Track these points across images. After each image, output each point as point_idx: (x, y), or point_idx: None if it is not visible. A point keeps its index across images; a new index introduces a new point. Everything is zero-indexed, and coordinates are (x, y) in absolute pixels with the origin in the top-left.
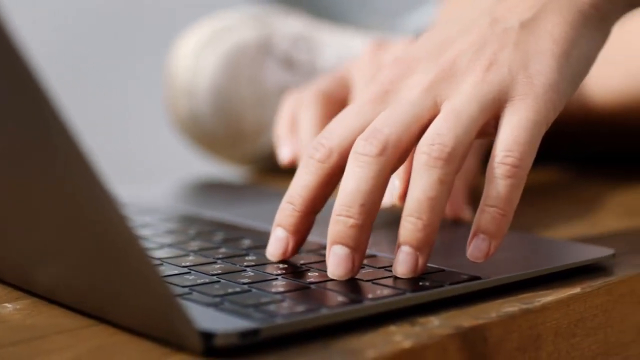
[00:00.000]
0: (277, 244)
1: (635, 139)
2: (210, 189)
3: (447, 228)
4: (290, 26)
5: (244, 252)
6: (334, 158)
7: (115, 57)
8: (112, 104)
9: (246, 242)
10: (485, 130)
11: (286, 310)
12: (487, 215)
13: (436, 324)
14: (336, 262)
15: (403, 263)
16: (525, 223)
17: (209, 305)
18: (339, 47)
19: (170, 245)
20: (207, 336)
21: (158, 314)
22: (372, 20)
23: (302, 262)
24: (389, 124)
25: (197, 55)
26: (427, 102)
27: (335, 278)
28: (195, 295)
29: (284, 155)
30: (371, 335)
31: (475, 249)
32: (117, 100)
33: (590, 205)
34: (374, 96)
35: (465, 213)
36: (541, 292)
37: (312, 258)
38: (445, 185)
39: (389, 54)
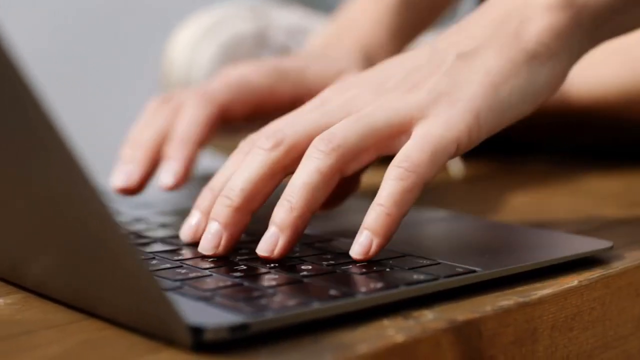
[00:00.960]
0: (212, 237)
1: (634, 130)
2: (205, 182)
3: (450, 222)
4: (287, 18)
5: (237, 246)
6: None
7: (110, 49)
8: (107, 97)
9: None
10: (395, 147)
11: (277, 304)
12: (373, 213)
13: (430, 318)
14: (205, 236)
15: (264, 241)
16: (522, 215)
17: (199, 299)
18: None
19: (163, 240)
20: (197, 331)
21: (147, 308)
22: None
23: (295, 255)
24: (293, 127)
25: (193, 48)
26: (340, 111)
27: (201, 252)
28: (186, 289)
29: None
30: (363, 330)
31: (357, 245)
32: (112, 94)
33: (588, 197)
34: (313, 105)
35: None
36: (538, 285)
37: (306, 251)
38: (322, 176)
39: None
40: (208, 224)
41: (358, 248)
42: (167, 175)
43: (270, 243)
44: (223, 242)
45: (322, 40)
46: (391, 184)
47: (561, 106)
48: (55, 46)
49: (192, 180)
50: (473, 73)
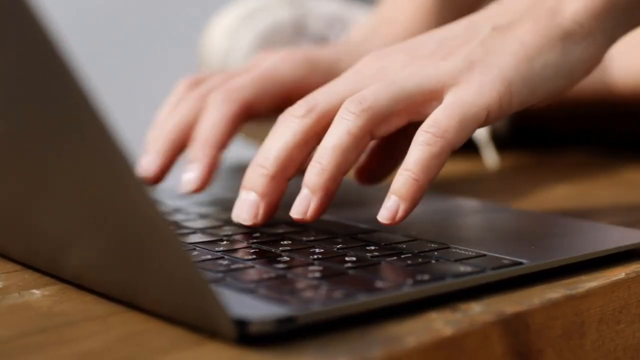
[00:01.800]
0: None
1: None
2: (243, 173)
3: (492, 213)
4: (325, 7)
5: (278, 236)
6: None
7: (150, 37)
8: (147, 87)
9: (281, 227)
10: (425, 112)
11: (323, 296)
12: (400, 178)
13: (478, 311)
14: (241, 205)
15: (297, 204)
16: (564, 206)
17: (243, 291)
18: None
19: (203, 230)
20: (242, 323)
21: (190, 300)
22: None
23: (339, 246)
24: (326, 94)
25: (231, 36)
26: (373, 79)
27: (238, 221)
28: (229, 280)
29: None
30: (411, 322)
31: (384, 209)
32: (151, 83)
33: (629, 188)
34: (350, 73)
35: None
36: (584, 278)
37: (350, 242)
38: (353, 137)
39: None
40: (243, 194)
41: (385, 212)
42: (189, 179)
43: (303, 205)
44: (261, 212)
45: (361, 33)
46: (419, 149)
47: (603, 94)
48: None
49: (224, 171)
50: (507, 44)
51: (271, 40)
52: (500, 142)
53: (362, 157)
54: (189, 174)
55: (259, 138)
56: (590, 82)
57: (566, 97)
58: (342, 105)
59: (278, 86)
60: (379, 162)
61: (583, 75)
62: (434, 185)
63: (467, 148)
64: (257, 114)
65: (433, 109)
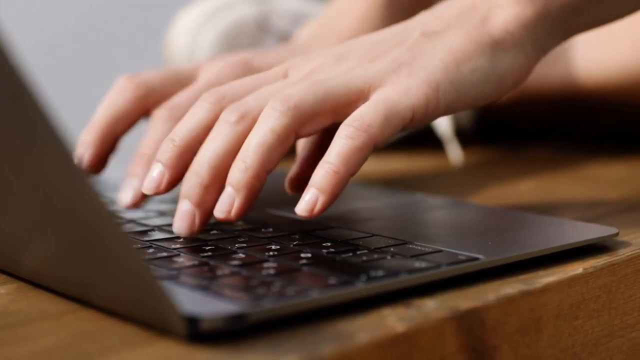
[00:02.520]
0: (152, 179)
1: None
2: None
3: (452, 210)
4: (289, 3)
5: (236, 233)
6: (223, 104)
7: (112, 35)
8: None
9: (238, 224)
10: (351, 112)
11: (275, 293)
12: (320, 170)
13: (432, 307)
14: (179, 216)
15: (220, 203)
16: (526, 202)
17: (196, 288)
18: None
19: (160, 228)
20: (192, 321)
21: (142, 298)
22: None
23: (295, 243)
24: (255, 98)
25: (195, 33)
26: (303, 82)
27: (176, 232)
28: (182, 278)
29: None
30: (364, 319)
31: (302, 202)
32: (113, 79)
33: (593, 183)
34: (275, 71)
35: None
36: (542, 273)
37: (307, 239)
38: (277, 136)
39: None
40: (180, 202)
41: (303, 205)
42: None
43: (226, 204)
44: (197, 221)
45: (313, 29)
46: (341, 142)
47: (566, 89)
48: (56, 30)
49: None
50: (436, 49)
51: (235, 37)
52: (465, 137)
53: (294, 167)
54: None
55: None
56: (556, 76)
57: (531, 92)
58: (268, 103)
59: None
60: (310, 170)
61: (513, 83)
62: (397, 181)
63: (431, 143)
64: None
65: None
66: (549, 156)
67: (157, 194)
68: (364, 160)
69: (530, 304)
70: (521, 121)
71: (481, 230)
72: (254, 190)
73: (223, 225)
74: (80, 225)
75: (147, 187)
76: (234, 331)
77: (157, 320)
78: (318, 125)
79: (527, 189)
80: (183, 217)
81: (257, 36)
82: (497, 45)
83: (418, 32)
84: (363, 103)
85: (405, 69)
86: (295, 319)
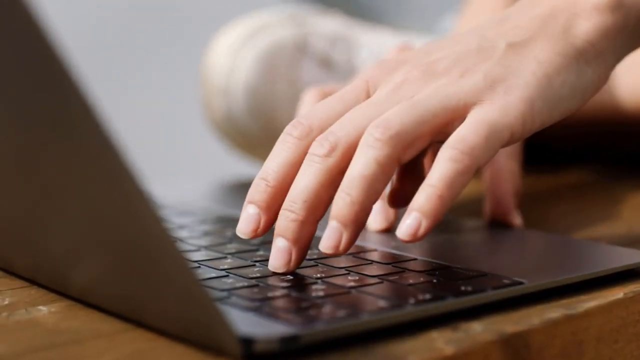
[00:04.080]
0: (248, 221)
1: None
2: (247, 190)
3: (493, 233)
4: (327, 26)
5: None
6: (313, 135)
7: (154, 55)
8: (149, 103)
9: None
10: (448, 131)
11: (326, 315)
12: (423, 193)
13: (478, 330)
14: (275, 254)
15: (327, 237)
16: (563, 225)
17: (247, 309)
18: (376, 47)
19: (207, 248)
20: (247, 342)
21: (196, 318)
22: (408, 21)
23: (342, 265)
24: (343, 126)
25: (234, 54)
26: (391, 102)
27: (272, 270)
28: (233, 299)
29: None
30: (413, 341)
31: (404, 226)
32: (153, 100)
33: (627, 206)
34: (356, 86)
35: (515, 217)
36: (583, 297)
37: (352, 261)
38: (382, 167)
39: None
40: (275, 240)
41: (406, 229)
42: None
43: (334, 239)
44: (294, 258)
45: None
46: (445, 166)
47: (610, 112)
48: (97, 50)
49: (226, 188)
50: (526, 63)
51: (273, 59)
52: None
53: (392, 181)
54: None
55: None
56: (597, 101)
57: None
58: (367, 131)
59: None
60: (409, 184)
61: (592, 95)
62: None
63: None
64: None
65: (455, 129)
66: (584, 179)
67: (253, 237)
68: (466, 184)
69: (572, 328)
70: (557, 143)
71: (522, 254)
72: (362, 224)
73: (268, 245)
74: (136, 244)
75: (244, 231)
76: (286, 352)
77: (210, 341)
78: (418, 149)
79: (562, 211)
80: (280, 255)
81: (296, 58)
82: (580, 57)
83: (503, 43)
84: (459, 121)
85: (500, 86)
86: (346, 341)
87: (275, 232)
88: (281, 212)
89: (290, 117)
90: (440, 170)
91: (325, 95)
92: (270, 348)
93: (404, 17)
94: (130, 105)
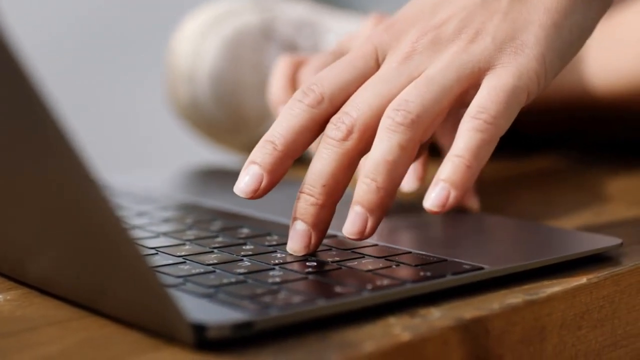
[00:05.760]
0: (250, 181)
1: None
2: (210, 177)
3: (451, 217)
4: (293, 11)
5: (241, 241)
6: (324, 105)
7: (115, 41)
8: (112, 90)
9: (244, 231)
10: (464, 100)
11: (282, 301)
12: (451, 164)
13: (437, 316)
14: (294, 237)
15: (352, 223)
16: (530, 211)
17: (202, 296)
18: (343, 33)
19: (166, 234)
20: (199, 328)
21: (149, 305)
22: (376, 7)
23: (298, 251)
24: (358, 106)
25: (199, 40)
26: (403, 76)
27: (292, 252)
28: (189, 285)
29: None
30: (369, 327)
31: (435, 197)
32: (116, 87)
33: (596, 193)
34: (365, 52)
35: (473, 202)
36: (546, 283)
37: None
38: (405, 151)
39: None
40: (294, 223)
41: (435, 199)
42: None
43: (359, 225)
44: (313, 241)
45: None
46: (470, 135)
47: (574, 98)
48: (59, 38)
49: (189, 175)
50: (532, 13)
51: (239, 45)
52: None
53: None
54: None
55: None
56: (564, 84)
57: (539, 100)
58: (387, 115)
59: None
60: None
61: (597, 22)
62: (398, 191)
63: (431, 151)
64: None
65: (471, 97)
66: (552, 165)
67: (252, 198)
68: (491, 152)
69: (534, 314)
70: (525, 129)
71: (485, 239)
72: (387, 208)
73: (227, 232)
74: (89, 232)
75: (243, 190)
76: (240, 339)
77: (163, 328)
78: (437, 124)
79: (530, 197)
80: (299, 238)
81: (261, 43)
82: None
83: None
84: (474, 89)
85: (510, 46)
86: (301, 327)
87: (294, 215)
88: (299, 195)
89: (255, 103)
90: (465, 141)
91: (296, 65)
92: (222, 334)
93: (371, 4)
94: (94, 93)
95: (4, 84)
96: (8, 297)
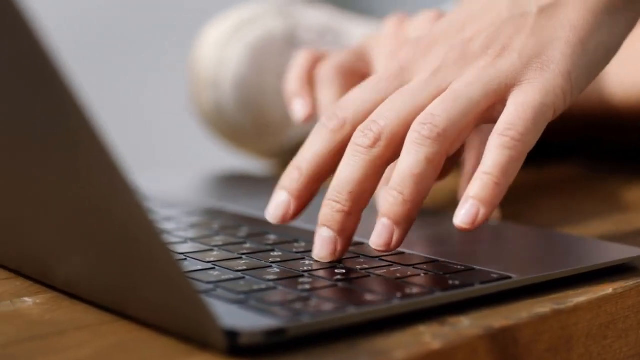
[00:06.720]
0: (279, 207)
1: None
2: (235, 183)
3: (481, 227)
4: (316, 18)
5: (269, 247)
6: (346, 129)
7: (140, 47)
8: (138, 96)
9: (271, 238)
10: (491, 116)
11: (313, 308)
12: (479, 181)
13: (466, 325)
14: (320, 243)
15: (379, 235)
16: (553, 220)
17: (233, 302)
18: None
19: (193, 240)
20: (232, 334)
21: (181, 310)
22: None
23: (328, 259)
24: (386, 115)
25: (223, 46)
26: (431, 89)
27: (317, 259)
28: (219, 291)
29: (299, 110)
30: (399, 335)
31: (464, 214)
32: (142, 92)
33: (617, 202)
34: (391, 73)
35: (495, 212)
36: (572, 293)
37: None
38: (432, 164)
39: (411, 30)
40: (319, 230)
41: (464, 217)
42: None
43: (386, 237)
44: (339, 248)
45: None
46: (498, 153)
47: (595, 106)
48: (84, 44)
49: (215, 180)
50: (559, 29)
51: (262, 51)
52: None
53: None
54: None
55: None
56: (586, 92)
57: None
58: (414, 129)
59: None
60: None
61: (622, 42)
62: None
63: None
64: None
65: (498, 112)
66: (573, 173)
67: (282, 223)
68: (519, 168)
69: (561, 323)
70: (545, 136)
71: (511, 248)
72: (413, 220)
73: (255, 238)
74: (120, 234)
75: (273, 216)
76: (271, 345)
77: (195, 333)
78: (463, 138)
79: (551, 206)
80: (325, 245)
81: (285, 50)
82: (612, 7)
83: (535, 8)
84: (500, 105)
85: (536, 63)
86: (332, 334)
87: (320, 221)
88: (326, 201)
89: (279, 109)
90: (493, 158)
91: (316, 59)
92: (255, 341)
93: (393, 10)
94: (118, 98)
95: (37, 85)
96: (37, 301)
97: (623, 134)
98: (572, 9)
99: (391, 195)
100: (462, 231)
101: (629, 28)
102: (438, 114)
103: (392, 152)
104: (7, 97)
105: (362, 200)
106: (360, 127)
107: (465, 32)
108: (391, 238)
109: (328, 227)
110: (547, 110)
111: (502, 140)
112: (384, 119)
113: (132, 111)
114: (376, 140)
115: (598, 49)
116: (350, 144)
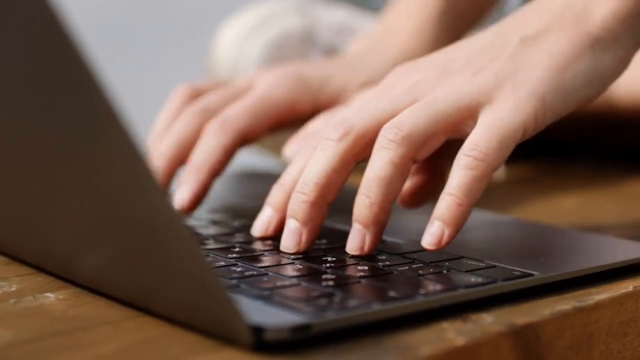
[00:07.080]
0: (292, 237)
1: None
2: (254, 180)
3: (503, 225)
4: (334, 16)
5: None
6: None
7: (160, 46)
8: (155, 94)
9: None
10: (463, 131)
11: (337, 304)
12: (444, 202)
13: (489, 321)
14: (286, 235)
15: (351, 239)
16: (572, 218)
17: (257, 298)
18: None
19: (215, 237)
20: (258, 330)
21: (207, 306)
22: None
23: (349, 255)
24: (360, 115)
25: (240, 45)
26: (408, 97)
27: (284, 250)
28: (243, 287)
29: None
30: (423, 332)
31: (428, 235)
32: (159, 90)
33: (634, 200)
34: (382, 88)
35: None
36: (593, 290)
37: None
38: (397, 168)
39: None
40: (287, 222)
41: (429, 238)
42: (178, 200)
43: (358, 241)
44: (304, 239)
45: (365, 44)
46: (461, 174)
47: (607, 107)
48: (103, 41)
49: (234, 178)
50: (537, 56)
51: (280, 49)
52: None
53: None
54: (178, 195)
55: (272, 149)
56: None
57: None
58: (381, 133)
59: (272, 112)
60: (421, 185)
61: (612, 81)
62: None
63: None
64: (251, 140)
65: (469, 127)
66: (591, 171)
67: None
68: (484, 188)
69: (583, 320)
70: (565, 136)
71: (533, 246)
72: (382, 223)
73: (278, 234)
74: (144, 229)
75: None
76: (297, 341)
77: (220, 329)
78: (432, 147)
79: (570, 204)
80: (290, 236)
81: (303, 48)
82: (596, 44)
83: (517, 39)
84: (472, 121)
85: (509, 83)
86: (356, 330)
87: (288, 213)
88: (293, 194)
89: None
90: (457, 179)
91: (195, 93)
92: (281, 337)
93: None
94: (136, 95)
95: (60, 77)
96: (60, 297)
97: (627, 134)
98: (553, 40)
99: (359, 200)
100: (430, 251)
101: (619, 63)
102: (404, 119)
103: (361, 148)
104: (31, 91)
105: (328, 192)
106: (331, 124)
107: (449, 55)
108: (363, 241)
109: (294, 218)
110: (515, 129)
111: (466, 160)
112: (356, 117)
113: (152, 110)
114: (345, 134)
115: (577, 78)
116: (321, 139)
